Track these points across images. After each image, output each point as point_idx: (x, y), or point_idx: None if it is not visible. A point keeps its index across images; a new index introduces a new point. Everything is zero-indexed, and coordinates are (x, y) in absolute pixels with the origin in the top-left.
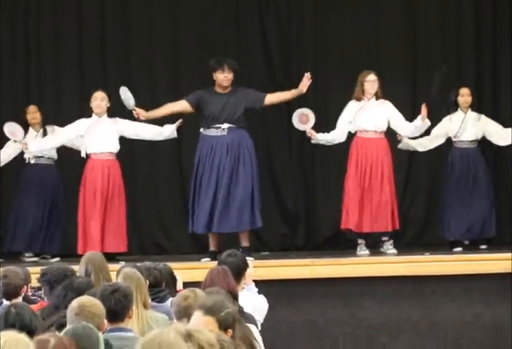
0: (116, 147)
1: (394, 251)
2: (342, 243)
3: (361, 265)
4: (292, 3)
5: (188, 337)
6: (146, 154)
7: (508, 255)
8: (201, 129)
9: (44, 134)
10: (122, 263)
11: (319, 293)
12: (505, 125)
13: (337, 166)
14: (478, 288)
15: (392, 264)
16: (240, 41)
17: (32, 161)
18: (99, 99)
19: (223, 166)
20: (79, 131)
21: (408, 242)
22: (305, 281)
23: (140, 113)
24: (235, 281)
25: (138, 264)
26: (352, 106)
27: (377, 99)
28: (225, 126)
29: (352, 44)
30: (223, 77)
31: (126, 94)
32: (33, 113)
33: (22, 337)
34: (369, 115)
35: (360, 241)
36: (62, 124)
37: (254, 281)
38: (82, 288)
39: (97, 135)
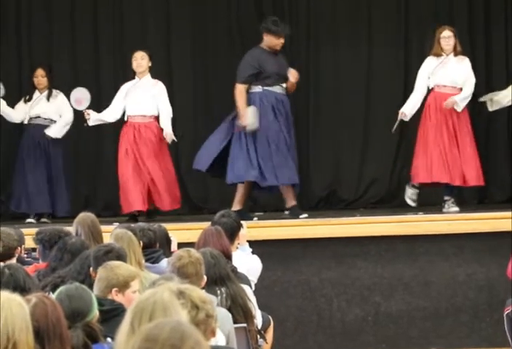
0: (151, 109)
1: (456, 208)
2: (336, 204)
3: (354, 225)
4: None
5: (180, 294)
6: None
7: (500, 214)
8: (260, 87)
9: (48, 97)
10: (116, 224)
11: (313, 253)
12: (500, 83)
13: (330, 126)
14: (471, 247)
15: (385, 224)
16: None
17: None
18: (139, 59)
19: (282, 123)
20: (123, 95)
21: (400, 203)
22: (299, 241)
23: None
24: (229, 242)
25: (132, 225)
26: (429, 62)
27: (455, 55)
28: (284, 85)
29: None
30: (279, 42)
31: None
32: (39, 77)
33: (16, 297)
34: (446, 71)
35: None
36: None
37: (248, 241)
38: (76, 249)
39: (135, 97)
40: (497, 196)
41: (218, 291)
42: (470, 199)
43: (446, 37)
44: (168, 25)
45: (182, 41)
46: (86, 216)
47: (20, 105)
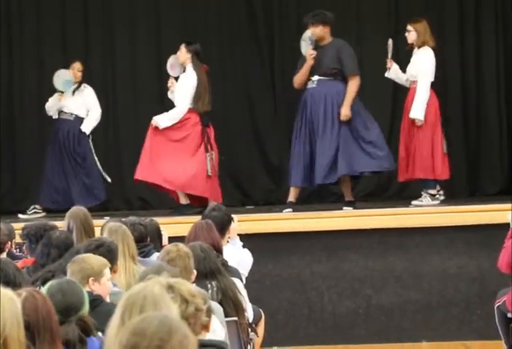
0: None
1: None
2: (327, 197)
3: (345, 217)
4: None
5: (170, 288)
6: (129, 108)
7: (490, 206)
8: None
9: (74, 91)
10: (107, 218)
11: (304, 246)
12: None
13: None
14: (462, 239)
15: (376, 216)
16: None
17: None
18: None
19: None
20: None
21: (391, 196)
22: (290, 234)
23: None
24: (219, 235)
25: (123, 219)
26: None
27: (418, 47)
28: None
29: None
30: None
31: None
32: (76, 70)
33: (7, 292)
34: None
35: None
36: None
37: (238, 234)
38: (62, 243)
39: None
40: (488, 189)
41: (209, 285)
42: (462, 192)
43: (407, 31)
44: (158, 20)
45: (171, 38)
46: (78, 210)
47: (53, 98)
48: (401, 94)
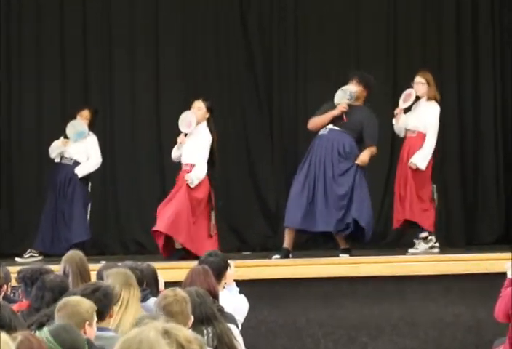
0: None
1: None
2: (324, 244)
3: (342, 265)
4: (274, 5)
5: (166, 333)
6: (127, 153)
7: (487, 255)
8: None
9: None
10: (103, 263)
11: (300, 293)
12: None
13: None
14: (458, 288)
15: (372, 264)
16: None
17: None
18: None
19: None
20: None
21: (388, 243)
22: (286, 280)
23: None
24: (216, 281)
25: (119, 264)
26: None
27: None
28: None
29: (333, 44)
30: None
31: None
32: (83, 117)
33: (3, 335)
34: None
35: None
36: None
37: (235, 280)
38: (56, 286)
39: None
40: (485, 238)
41: (204, 331)
42: (459, 240)
43: (416, 83)
44: (156, 36)
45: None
46: (74, 254)
47: (57, 141)
48: (398, 141)
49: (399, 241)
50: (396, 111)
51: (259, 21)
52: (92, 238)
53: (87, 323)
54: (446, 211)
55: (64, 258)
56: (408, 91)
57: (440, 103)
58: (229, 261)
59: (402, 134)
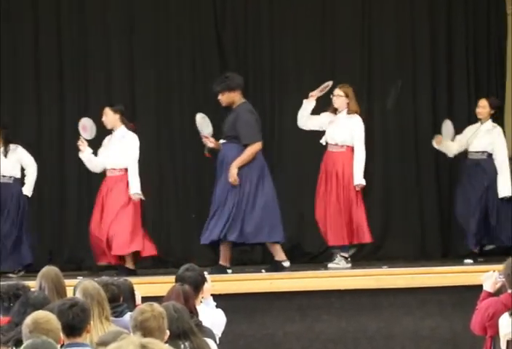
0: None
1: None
2: (300, 257)
3: (318, 278)
4: (249, 20)
5: (143, 348)
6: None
7: (464, 268)
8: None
9: (6, 154)
10: (80, 278)
11: (277, 307)
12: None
13: (295, 180)
14: (435, 301)
15: (349, 277)
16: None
17: None
18: (103, 116)
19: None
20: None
21: (363, 256)
22: (263, 294)
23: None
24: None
25: (96, 279)
26: None
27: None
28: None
29: (308, 58)
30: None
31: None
32: None
33: None
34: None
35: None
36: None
37: (212, 294)
38: (39, 303)
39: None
40: (461, 250)
41: (182, 346)
42: (434, 253)
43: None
44: (132, 63)
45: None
46: (50, 269)
47: None
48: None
49: (375, 254)
50: (312, 94)
51: (235, 40)
52: (68, 254)
53: (62, 338)
54: (421, 224)
55: (40, 274)
56: (326, 83)
57: (361, 116)
58: (206, 275)
59: (305, 127)
